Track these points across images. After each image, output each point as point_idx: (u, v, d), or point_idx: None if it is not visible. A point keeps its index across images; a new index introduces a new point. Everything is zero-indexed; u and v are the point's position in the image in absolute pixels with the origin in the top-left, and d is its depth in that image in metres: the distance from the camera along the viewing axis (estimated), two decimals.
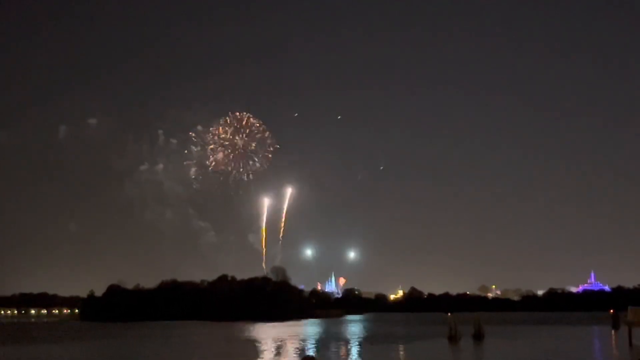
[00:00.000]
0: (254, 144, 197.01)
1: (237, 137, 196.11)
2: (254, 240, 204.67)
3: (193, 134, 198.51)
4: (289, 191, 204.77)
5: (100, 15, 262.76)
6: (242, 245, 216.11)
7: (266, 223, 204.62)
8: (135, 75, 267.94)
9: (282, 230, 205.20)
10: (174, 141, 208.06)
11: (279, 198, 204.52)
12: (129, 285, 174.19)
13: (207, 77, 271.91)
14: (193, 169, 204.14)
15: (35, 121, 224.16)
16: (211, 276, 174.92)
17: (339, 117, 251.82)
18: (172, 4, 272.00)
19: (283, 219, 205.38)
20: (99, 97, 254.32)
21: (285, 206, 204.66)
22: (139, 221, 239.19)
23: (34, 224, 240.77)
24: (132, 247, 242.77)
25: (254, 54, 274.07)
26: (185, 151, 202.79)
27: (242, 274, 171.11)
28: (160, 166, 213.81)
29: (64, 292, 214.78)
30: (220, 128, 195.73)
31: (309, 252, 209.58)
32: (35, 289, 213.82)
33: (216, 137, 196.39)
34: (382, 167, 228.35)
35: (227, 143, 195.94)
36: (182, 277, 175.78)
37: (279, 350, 55.60)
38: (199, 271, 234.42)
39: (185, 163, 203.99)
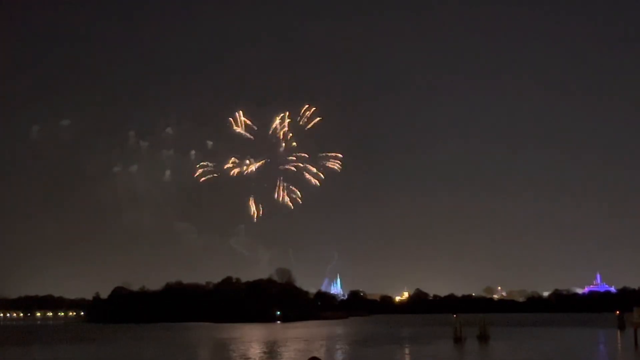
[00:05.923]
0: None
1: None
2: (236, 245, 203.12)
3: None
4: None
5: (74, 17, 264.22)
6: (226, 245, 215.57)
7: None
8: (107, 77, 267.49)
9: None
10: (145, 143, 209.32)
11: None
12: (135, 287, 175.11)
13: (179, 79, 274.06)
14: (167, 171, 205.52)
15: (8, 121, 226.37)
16: (203, 278, 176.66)
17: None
18: (145, 7, 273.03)
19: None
20: (71, 99, 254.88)
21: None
22: (117, 222, 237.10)
23: (34, 225, 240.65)
24: (137, 249, 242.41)
25: (225, 55, 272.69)
26: (159, 152, 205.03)
27: (233, 272, 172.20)
28: (135, 167, 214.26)
29: (70, 294, 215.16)
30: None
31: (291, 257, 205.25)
32: (41, 292, 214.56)
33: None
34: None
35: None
36: (187, 279, 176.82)
37: (284, 352, 55.71)
38: (189, 273, 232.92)
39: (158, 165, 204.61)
